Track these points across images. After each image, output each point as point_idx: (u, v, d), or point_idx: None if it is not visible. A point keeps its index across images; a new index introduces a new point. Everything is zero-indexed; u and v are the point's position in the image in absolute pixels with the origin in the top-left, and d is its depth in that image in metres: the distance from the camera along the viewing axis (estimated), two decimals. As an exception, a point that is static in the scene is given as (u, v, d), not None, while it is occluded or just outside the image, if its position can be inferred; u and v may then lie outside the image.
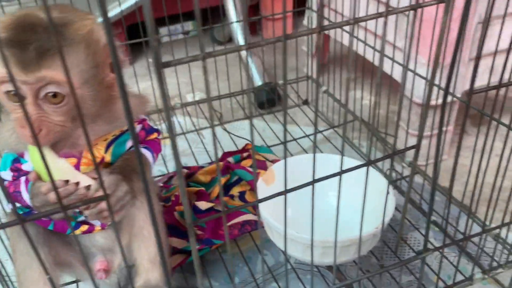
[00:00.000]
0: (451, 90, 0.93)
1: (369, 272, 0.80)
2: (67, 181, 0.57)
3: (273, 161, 1.02)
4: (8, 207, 0.75)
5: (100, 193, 0.57)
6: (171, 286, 0.75)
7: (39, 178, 0.59)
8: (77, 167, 0.63)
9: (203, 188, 0.92)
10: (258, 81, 1.40)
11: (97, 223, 0.69)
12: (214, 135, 0.43)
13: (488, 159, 0.71)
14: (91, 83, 0.56)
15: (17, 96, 0.54)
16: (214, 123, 1.28)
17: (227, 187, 0.95)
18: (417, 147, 0.55)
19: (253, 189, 0.93)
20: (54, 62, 0.52)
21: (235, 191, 0.93)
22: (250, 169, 0.96)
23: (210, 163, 1.07)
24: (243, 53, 1.42)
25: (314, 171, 0.50)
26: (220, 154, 1.10)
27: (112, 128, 0.64)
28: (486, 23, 0.78)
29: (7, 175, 0.64)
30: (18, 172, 0.64)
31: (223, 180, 0.94)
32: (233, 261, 0.86)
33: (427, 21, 0.94)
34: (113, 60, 0.33)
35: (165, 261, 0.51)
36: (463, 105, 0.86)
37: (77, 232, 0.69)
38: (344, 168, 0.52)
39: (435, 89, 0.96)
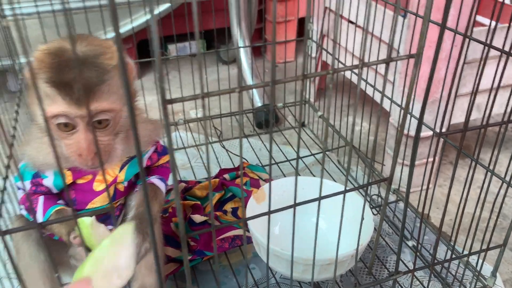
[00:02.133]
0: (435, 123, 0.99)
1: (348, 290, 0.86)
2: None
3: (266, 180, 1.08)
4: (17, 211, 0.82)
5: None
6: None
7: (82, 243, 0.65)
8: (90, 183, 0.70)
9: (198, 202, 0.98)
10: (257, 102, 1.47)
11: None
12: (208, 157, 0.50)
13: (468, 190, 0.76)
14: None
15: (69, 127, 0.61)
16: (213, 139, 1.35)
17: (221, 203, 1.02)
18: (389, 180, 0.61)
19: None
20: (101, 94, 0.59)
21: (228, 206, 1.00)
22: (244, 187, 1.02)
23: (206, 179, 1.13)
24: (246, 75, 1.50)
25: (295, 195, 0.56)
26: (217, 170, 1.17)
27: (129, 151, 0.71)
28: (459, 67, 0.86)
29: (26, 186, 0.71)
30: (36, 186, 0.70)
31: (217, 195, 1.00)
32: (223, 273, 0.93)
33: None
34: (124, 86, 0.40)
35: (160, 268, 0.58)
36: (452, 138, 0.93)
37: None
38: (326, 193, 0.59)
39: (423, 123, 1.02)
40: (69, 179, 0.70)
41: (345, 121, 1.37)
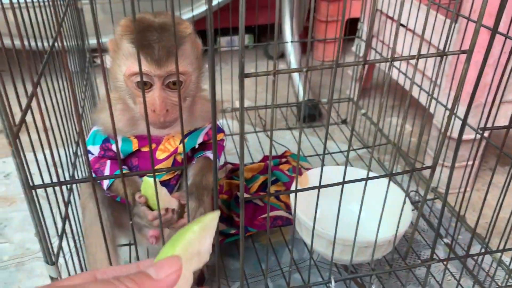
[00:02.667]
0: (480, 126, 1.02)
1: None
2: (166, 209, 0.71)
3: (307, 169, 1.13)
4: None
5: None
6: (209, 261, 0.88)
7: (146, 202, 0.71)
8: (154, 151, 0.77)
9: (244, 183, 1.05)
10: (302, 97, 1.53)
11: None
12: (271, 140, 0.56)
13: (504, 195, 0.79)
14: (196, 70, 0.72)
15: (147, 86, 0.68)
16: (258, 129, 1.41)
17: (265, 186, 1.07)
18: (433, 167, 0.66)
19: (288, 190, 1.05)
20: (177, 57, 0.66)
21: (272, 189, 1.05)
22: (287, 173, 1.08)
23: (251, 163, 1.19)
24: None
25: (345, 173, 0.62)
26: (261, 157, 1.23)
27: (190, 126, 0.78)
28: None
29: (95, 150, 0.78)
30: (105, 151, 0.78)
31: (262, 178, 1.06)
32: (263, 250, 0.99)
33: (461, 62, 1.04)
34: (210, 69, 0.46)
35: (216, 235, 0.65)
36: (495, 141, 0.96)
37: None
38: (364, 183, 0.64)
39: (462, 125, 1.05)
40: (135, 146, 0.77)
41: (388, 121, 1.41)
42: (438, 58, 1.12)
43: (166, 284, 0.33)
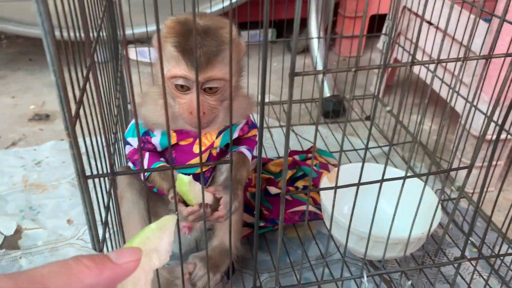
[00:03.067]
0: (507, 128, 1.02)
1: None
2: (200, 204, 0.72)
3: (334, 165, 1.15)
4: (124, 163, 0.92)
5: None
6: (238, 251, 0.90)
7: (182, 200, 0.73)
8: (191, 145, 0.79)
9: (272, 177, 1.06)
10: (327, 93, 1.53)
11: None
12: (287, 134, 0.57)
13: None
14: (236, 74, 0.73)
15: (184, 89, 0.70)
16: (282, 124, 1.42)
17: (292, 180, 1.09)
18: (470, 167, 0.66)
19: (316, 186, 1.06)
20: (217, 63, 0.67)
21: (300, 184, 1.07)
22: (315, 168, 1.09)
23: (278, 157, 1.21)
24: (318, 64, 1.56)
25: (384, 171, 0.63)
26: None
27: (227, 122, 0.79)
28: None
29: (135, 142, 0.81)
30: (144, 143, 0.79)
31: (290, 173, 1.08)
32: (290, 244, 1.00)
33: (494, 63, 1.04)
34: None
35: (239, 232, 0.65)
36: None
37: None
38: (403, 179, 0.65)
39: (492, 124, 1.06)
40: (173, 140, 0.79)
41: (413, 119, 1.41)
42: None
43: (124, 270, 0.35)
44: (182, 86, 0.70)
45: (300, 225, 1.04)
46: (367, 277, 0.73)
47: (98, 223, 0.65)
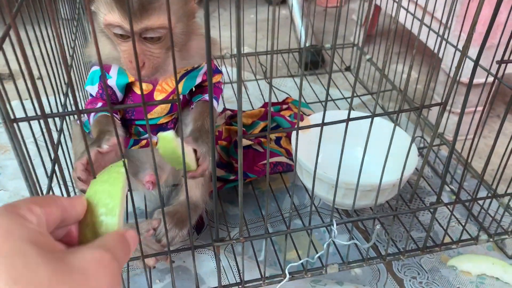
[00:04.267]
0: (490, 70, 0.97)
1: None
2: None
3: (309, 115, 1.10)
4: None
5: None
6: (208, 206, 0.86)
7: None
8: (151, 93, 0.73)
9: (244, 129, 1.01)
10: (304, 43, 1.47)
11: (154, 138, 0.79)
12: (271, 85, 0.52)
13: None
14: (183, 19, 0.66)
15: (124, 37, 0.63)
16: (258, 77, 1.36)
17: (265, 131, 1.04)
18: (444, 104, 0.62)
19: (289, 136, 1.02)
20: (154, 11, 0.61)
21: (272, 135, 1.02)
22: (288, 118, 1.04)
23: (250, 110, 1.15)
24: (295, 15, 1.48)
25: (349, 112, 0.58)
26: (261, 104, 1.19)
27: (186, 64, 0.74)
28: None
29: (94, 90, 0.74)
30: (103, 90, 0.73)
31: (262, 124, 1.03)
32: (263, 197, 0.96)
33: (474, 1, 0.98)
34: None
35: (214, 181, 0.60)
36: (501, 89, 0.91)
37: (136, 147, 0.79)
38: (370, 127, 0.60)
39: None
40: (131, 78, 0.73)
41: (392, 68, 1.35)
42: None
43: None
44: (121, 34, 0.64)
45: (273, 178, 1.00)
46: (337, 225, 0.69)
47: (43, 175, 0.60)
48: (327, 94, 0.57)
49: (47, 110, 0.53)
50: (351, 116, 0.58)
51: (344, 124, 0.58)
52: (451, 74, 1.07)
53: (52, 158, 0.63)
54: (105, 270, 0.30)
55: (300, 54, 1.45)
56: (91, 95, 0.76)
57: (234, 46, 1.48)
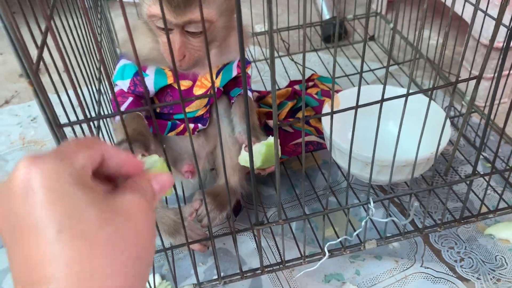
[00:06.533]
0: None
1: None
2: None
3: (337, 91, 1.09)
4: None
5: None
6: (245, 190, 0.87)
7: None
8: (191, 89, 0.74)
9: (271, 110, 1.02)
10: (326, 15, 1.44)
11: (191, 125, 0.80)
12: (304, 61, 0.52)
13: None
14: (225, 13, 0.66)
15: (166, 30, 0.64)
16: (281, 53, 1.35)
17: (293, 111, 1.04)
18: (478, 78, 0.61)
19: (317, 114, 1.02)
20: (196, 7, 0.61)
21: (301, 114, 1.02)
22: (316, 96, 1.04)
23: (278, 89, 1.15)
24: (314, -13, 1.45)
25: (384, 90, 0.58)
26: (286, 83, 1.19)
27: (225, 59, 0.74)
28: None
29: (125, 84, 0.74)
30: (135, 86, 0.73)
31: (290, 104, 1.03)
32: (295, 176, 0.98)
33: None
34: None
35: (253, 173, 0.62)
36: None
37: (173, 133, 0.80)
38: (410, 97, 0.60)
39: (503, 31, 0.98)
40: (169, 79, 0.74)
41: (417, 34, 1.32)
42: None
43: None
44: (163, 28, 0.64)
45: (305, 157, 1.00)
46: (374, 202, 0.70)
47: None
48: (360, 78, 0.57)
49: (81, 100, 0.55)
50: (379, 91, 0.58)
51: (375, 98, 0.59)
52: (481, 39, 1.04)
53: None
54: (144, 215, 0.32)
55: (321, 27, 1.43)
56: (116, 85, 0.76)
57: (255, 24, 1.47)
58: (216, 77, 0.76)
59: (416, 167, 0.80)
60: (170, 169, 0.61)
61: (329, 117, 0.60)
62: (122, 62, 0.74)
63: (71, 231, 0.28)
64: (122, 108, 0.73)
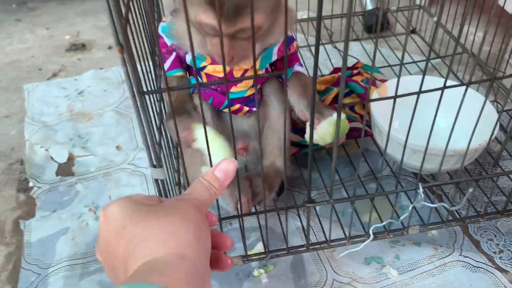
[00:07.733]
0: None
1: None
2: None
3: (381, 81, 1.10)
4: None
5: None
6: (288, 172, 0.89)
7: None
8: (231, 73, 0.76)
9: (318, 96, 1.04)
10: (369, 5, 1.45)
11: (245, 108, 0.83)
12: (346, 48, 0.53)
13: None
14: (272, 15, 0.67)
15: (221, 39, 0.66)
16: (324, 41, 1.36)
17: (338, 98, 1.06)
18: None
19: (363, 102, 1.03)
20: (246, 16, 0.62)
21: (347, 101, 1.04)
22: (362, 83, 1.05)
23: (321, 76, 1.17)
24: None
25: (446, 80, 0.59)
26: (329, 71, 1.20)
27: (265, 44, 0.75)
28: None
29: (168, 42, 0.77)
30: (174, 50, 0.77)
31: (335, 90, 1.05)
32: (338, 161, 0.99)
33: None
34: None
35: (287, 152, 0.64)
36: None
37: (227, 110, 0.83)
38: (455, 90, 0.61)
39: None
40: (208, 61, 0.76)
41: (463, 30, 1.32)
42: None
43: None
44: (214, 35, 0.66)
45: (348, 144, 1.02)
46: (423, 188, 0.72)
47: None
48: (400, 69, 0.59)
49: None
50: (424, 82, 0.60)
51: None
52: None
53: (158, 126, 0.69)
54: (199, 215, 0.44)
55: (364, 17, 1.43)
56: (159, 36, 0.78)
57: (299, 10, 1.48)
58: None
59: (461, 158, 0.81)
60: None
61: (378, 103, 0.62)
62: (162, 23, 0.77)
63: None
64: (167, 64, 0.77)
